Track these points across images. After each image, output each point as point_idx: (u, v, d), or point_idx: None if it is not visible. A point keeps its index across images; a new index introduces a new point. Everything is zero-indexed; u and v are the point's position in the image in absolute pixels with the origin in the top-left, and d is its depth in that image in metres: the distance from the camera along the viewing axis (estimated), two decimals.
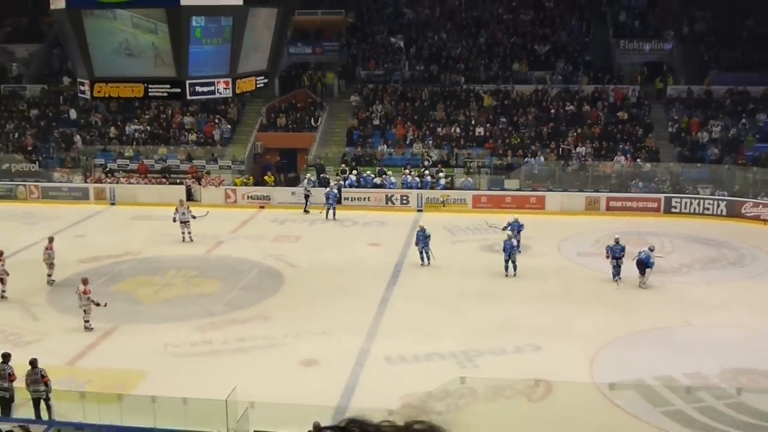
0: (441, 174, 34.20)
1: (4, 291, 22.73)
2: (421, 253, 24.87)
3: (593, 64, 39.78)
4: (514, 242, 24.61)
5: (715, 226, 30.06)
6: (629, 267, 22.93)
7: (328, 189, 32.04)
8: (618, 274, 22.99)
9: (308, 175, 34.84)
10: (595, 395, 16.03)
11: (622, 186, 33.46)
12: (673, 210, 31.97)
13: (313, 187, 33.49)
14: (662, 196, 32.41)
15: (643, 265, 22.79)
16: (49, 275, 23.91)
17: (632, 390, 16.32)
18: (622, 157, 34.20)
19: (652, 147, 34.93)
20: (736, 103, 36.38)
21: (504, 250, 24.24)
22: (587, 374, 17.35)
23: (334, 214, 31.35)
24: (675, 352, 18.46)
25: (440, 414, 15.58)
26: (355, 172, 34.85)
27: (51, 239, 24.40)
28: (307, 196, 32.77)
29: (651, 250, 23.13)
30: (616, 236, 23.62)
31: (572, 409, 15.71)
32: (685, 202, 32.03)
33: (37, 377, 15.47)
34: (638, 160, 34.27)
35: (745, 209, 31.19)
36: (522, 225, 25.83)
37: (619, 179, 33.80)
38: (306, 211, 32.50)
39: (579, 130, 36.10)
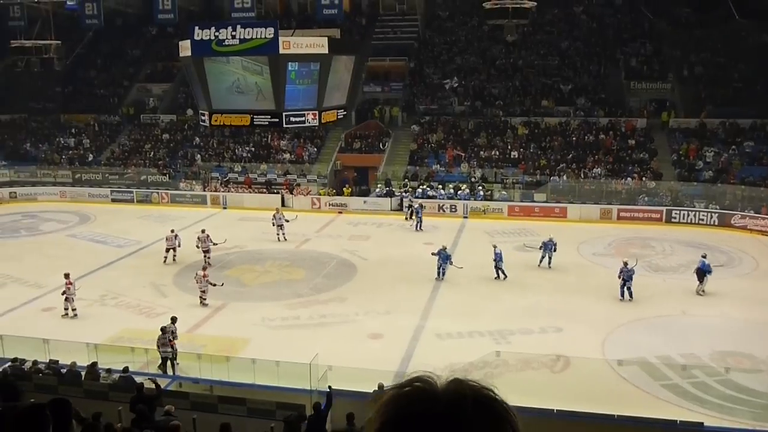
0: (480, 188, 34.02)
1: (74, 310, 19.78)
2: (438, 268, 22.60)
3: (608, 100, 38.95)
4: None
5: (709, 234, 29.12)
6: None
7: (417, 205, 30.41)
8: (623, 294, 20.74)
9: (408, 187, 34.05)
10: (606, 369, 15.66)
11: (631, 200, 32.68)
12: (673, 220, 31.10)
13: (417, 198, 32.37)
14: (664, 208, 31.56)
15: (702, 273, 21.20)
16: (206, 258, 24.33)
17: (636, 366, 15.94)
18: (630, 179, 33.39)
19: (656, 168, 34.05)
20: (727, 133, 35.22)
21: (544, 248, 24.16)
22: (599, 352, 16.99)
23: (420, 225, 29.75)
24: (672, 336, 17.97)
25: (479, 380, 15.45)
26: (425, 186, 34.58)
27: (203, 230, 25.14)
28: (410, 206, 31.50)
29: (704, 257, 21.61)
30: (625, 260, 21.27)
31: (587, 380, 15.43)
32: (684, 214, 31.14)
33: (165, 340, 15.85)
34: (644, 179, 33.43)
35: (734, 220, 30.16)
36: (555, 243, 24.00)
37: (628, 194, 33.01)
38: (407, 218, 31.16)
39: (596, 155, 35.40)
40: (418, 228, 29.62)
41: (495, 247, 23.20)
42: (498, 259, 22.73)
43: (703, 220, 30.74)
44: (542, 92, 39.97)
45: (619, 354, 16.54)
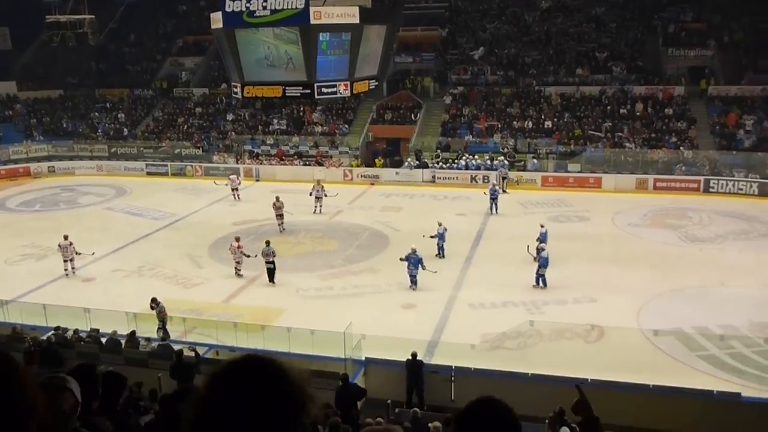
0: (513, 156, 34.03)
1: (74, 268, 21.46)
2: (410, 276, 19.58)
3: (645, 68, 38.09)
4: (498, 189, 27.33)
5: (748, 204, 28.49)
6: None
7: (491, 186, 28.59)
8: (538, 281, 19.25)
9: (501, 157, 33.44)
10: (641, 339, 15.53)
11: (668, 169, 32.07)
12: (711, 190, 30.50)
13: (509, 170, 32.30)
14: (702, 178, 30.93)
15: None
16: (279, 224, 25.41)
17: (672, 336, 15.76)
18: (666, 151, 32.71)
19: (694, 138, 33.32)
20: None
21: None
22: (634, 323, 16.83)
23: (497, 208, 27.57)
24: (710, 307, 17.70)
25: (512, 350, 15.47)
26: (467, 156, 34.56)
27: (277, 198, 25.74)
28: (504, 179, 31.19)
29: (542, 226, 21.42)
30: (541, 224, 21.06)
31: (621, 350, 15.32)
32: (722, 184, 30.51)
33: (269, 251, 19.96)
34: (681, 148, 32.74)
35: None
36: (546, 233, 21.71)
37: (665, 164, 32.40)
38: (504, 191, 30.25)
39: (633, 125, 34.75)
40: (493, 212, 27.57)
41: (542, 226, 21.80)
42: (543, 240, 21.05)
43: (742, 189, 30.09)
44: (577, 60, 39.22)
45: (654, 325, 16.34)
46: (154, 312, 15.93)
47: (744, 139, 32.65)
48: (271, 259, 20.33)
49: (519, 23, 42.28)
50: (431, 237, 22.02)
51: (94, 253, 22.40)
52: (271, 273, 20.31)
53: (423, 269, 19.25)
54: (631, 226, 25.61)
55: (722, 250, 22.69)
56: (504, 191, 30.28)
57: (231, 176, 32.61)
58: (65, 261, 21.37)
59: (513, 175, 32.68)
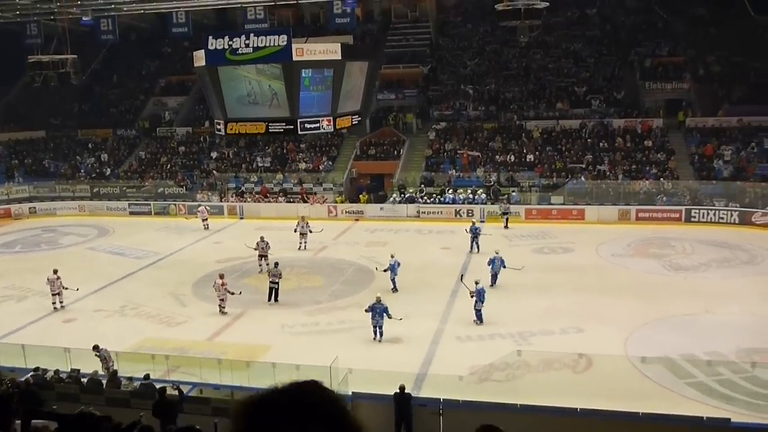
0: (501, 193, 34.15)
1: (62, 302, 21.64)
2: (374, 327, 18.11)
3: (623, 101, 38.74)
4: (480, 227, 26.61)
5: (730, 232, 28.79)
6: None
7: (472, 224, 27.12)
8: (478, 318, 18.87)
9: (507, 196, 33.38)
10: (629, 368, 15.46)
11: (649, 200, 32.40)
12: (692, 219, 30.78)
13: (513, 203, 32.39)
14: (683, 208, 31.25)
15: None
16: (260, 264, 24.66)
17: (660, 364, 15.70)
18: (647, 182, 33.10)
19: (674, 168, 33.77)
20: (745, 131, 34.85)
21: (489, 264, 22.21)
22: (622, 352, 16.79)
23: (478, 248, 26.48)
24: (696, 334, 17.72)
25: (500, 382, 15.34)
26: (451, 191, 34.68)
27: (261, 238, 25.08)
28: (506, 214, 30.95)
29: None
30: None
31: (610, 379, 15.22)
32: (703, 213, 30.82)
33: (277, 272, 21.16)
34: (661, 179, 33.13)
35: (755, 218, 29.80)
36: (503, 259, 22.19)
37: (646, 195, 32.74)
38: (506, 227, 30.37)
39: (613, 156, 35.19)
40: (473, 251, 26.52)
41: (497, 252, 22.33)
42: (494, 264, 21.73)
43: (723, 218, 30.42)
44: (556, 95, 39.82)
45: (642, 353, 16.29)
46: (98, 358, 15.48)
47: (722, 168, 33.14)
48: (276, 280, 21.38)
49: (499, 59, 42.96)
50: (384, 270, 21.91)
51: (78, 289, 22.18)
52: (273, 292, 21.35)
53: (389, 318, 17.79)
54: (616, 257, 25.74)
55: (706, 278, 22.83)
56: (506, 227, 30.41)
57: (199, 209, 33.63)
58: (53, 295, 21.43)
59: (496, 208, 32.81)
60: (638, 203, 32.29)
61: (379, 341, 17.87)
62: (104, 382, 14.20)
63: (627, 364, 15.68)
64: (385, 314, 17.81)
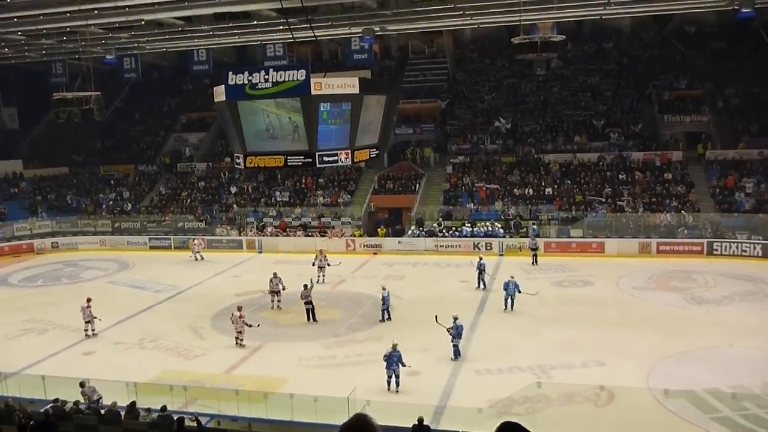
0: (519, 223, 34.03)
1: (93, 330, 22.34)
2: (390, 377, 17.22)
3: (642, 134, 38.74)
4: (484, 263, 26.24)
5: (752, 265, 28.44)
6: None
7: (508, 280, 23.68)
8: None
9: (530, 229, 33.05)
10: (651, 402, 15.22)
11: (670, 233, 32.15)
12: (714, 252, 30.48)
13: (537, 236, 31.77)
14: (705, 240, 30.96)
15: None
16: (272, 301, 24.74)
17: (683, 398, 15.41)
18: (668, 215, 32.89)
19: (694, 201, 33.56)
20: (765, 163, 34.62)
21: (505, 289, 23.11)
22: (644, 386, 16.50)
23: (484, 284, 26.09)
24: (719, 368, 17.40)
25: (520, 416, 15.14)
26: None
27: (274, 274, 25.04)
28: (534, 249, 30.15)
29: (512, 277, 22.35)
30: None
31: (632, 413, 14.97)
32: (725, 246, 30.52)
33: (308, 293, 22.51)
34: (682, 212, 32.91)
35: None
36: (517, 283, 22.89)
37: (667, 227, 32.50)
38: (535, 262, 29.70)
39: (632, 189, 35.09)
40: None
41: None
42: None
43: (746, 251, 30.09)
44: (574, 128, 39.93)
45: (664, 387, 16.00)
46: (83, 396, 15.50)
47: (744, 201, 32.88)
48: (309, 299, 22.72)
49: (516, 93, 43.26)
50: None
51: (101, 319, 22.64)
52: (310, 313, 22.82)
53: (404, 366, 16.81)
54: (637, 290, 25.49)
55: (729, 311, 22.49)
56: (534, 263, 29.68)
57: (194, 241, 35.18)
58: (86, 323, 22.22)
59: (515, 242, 32.76)
60: (659, 236, 32.05)
61: (396, 392, 16.58)
62: (123, 413, 14.22)
63: (649, 398, 15.43)
64: (400, 363, 16.78)
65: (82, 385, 15.68)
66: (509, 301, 23.07)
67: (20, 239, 39.10)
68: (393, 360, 16.86)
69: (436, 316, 19.52)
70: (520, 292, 22.86)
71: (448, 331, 18.60)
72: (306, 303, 22.89)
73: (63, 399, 14.76)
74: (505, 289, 23.12)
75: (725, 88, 39.13)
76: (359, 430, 2.48)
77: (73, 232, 40.25)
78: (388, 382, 16.78)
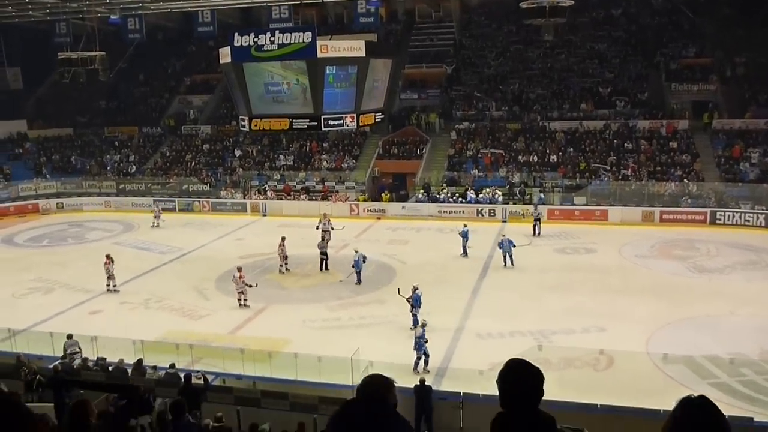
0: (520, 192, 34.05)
1: (115, 286, 23.07)
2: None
3: (648, 102, 38.47)
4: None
5: (756, 235, 28.45)
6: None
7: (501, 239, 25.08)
8: None
9: (540, 194, 32.97)
10: (650, 367, 15.43)
11: (674, 202, 32.13)
12: (717, 222, 30.48)
13: (539, 203, 31.72)
14: (708, 210, 30.95)
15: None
16: (281, 265, 24.69)
17: (682, 364, 15.62)
18: (672, 183, 32.85)
19: (699, 171, 33.46)
20: None
21: (500, 247, 24.44)
22: (643, 351, 16.70)
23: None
24: (719, 336, 17.60)
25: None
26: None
27: (283, 238, 24.93)
28: (537, 220, 29.36)
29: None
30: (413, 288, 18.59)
31: (631, 378, 15.15)
32: (729, 215, 30.51)
33: (324, 244, 24.40)
34: (686, 180, 32.86)
35: None
36: (511, 240, 24.20)
37: (671, 196, 32.48)
38: (538, 233, 28.99)
39: (637, 157, 34.98)
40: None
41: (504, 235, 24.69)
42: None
43: (749, 221, 30.08)
44: (580, 95, 39.65)
45: (664, 353, 16.22)
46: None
47: (749, 171, 32.78)
48: (325, 251, 24.51)
49: (523, 59, 42.87)
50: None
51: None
52: (323, 263, 24.57)
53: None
54: (639, 258, 25.59)
55: (730, 280, 22.61)
56: (537, 234, 29.10)
57: (156, 207, 35.11)
58: (108, 278, 22.95)
59: (519, 208, 32.79)
60: (662, 205, 32.04)
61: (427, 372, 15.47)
62: (129, 370, 14.46)
63: (648, 363, 15.63)
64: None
65: (68, 337, 15.93)
66: (507, 257, 24.25)
67: (25, 199, 39.23)
68: (423, 341, 15.90)
69: (398, 289, 19.53)
70: (515, 246, 24.19)
71: (408, 301, 18.49)
72: (321, 253, 24.51)
73: (71, 355, 15.01)
74: (501, 247, 24.40)
75: (734, 56, 38.70)
76: (375, 385, 2.51)
77: (78, 193, 40.35)
78: (416, 363, 15.72)
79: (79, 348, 15.81)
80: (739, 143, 34.36)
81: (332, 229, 28.19)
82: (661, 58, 40.25)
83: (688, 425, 2.18)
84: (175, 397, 12.10)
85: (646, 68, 40.25)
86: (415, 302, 18.50)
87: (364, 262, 23.06)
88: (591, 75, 40.76)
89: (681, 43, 40.65)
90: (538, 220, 29.89)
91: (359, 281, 22.96)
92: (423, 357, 15.83)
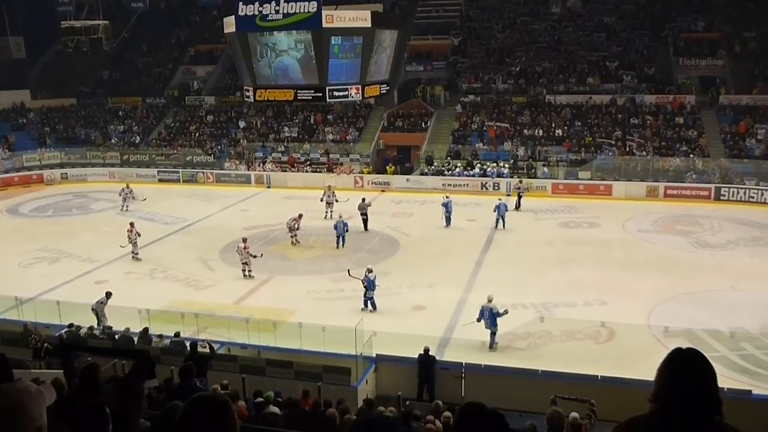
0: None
1: (137, 254, 23.47)
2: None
3: (655, 77, 38.22)
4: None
5: (760, 212, 28.43)
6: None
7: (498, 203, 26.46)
8: None
9: (544, 168, 33.34)
10: (651, 340, 15.58)
11: (678, 177, 32.10)
12: (722, 198, 30.48)
13: (543, 178, 32.41)
14: (713, 186, 30.93)
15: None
16: (293, 236, 24.71)
17: (682, 338, 15.72)
18: (677, 159, 32.78)
19: (705, 146, 33.36)
20: None
21: (495, 210, 25.88)
22: (645, 325, 16.85)
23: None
24: (720, 310, 17.73)
25: (522, 350, 15.53)
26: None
27: (300, 215, 24.96)
28: (519, 194, 29.59)
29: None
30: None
31: (631, 351, 15.29)
32: (733, 191, 30.49)
33: (365, 205, 26.17)
34: (691, 155, 32.78)
35: None
36: (506, 204, 26.54)
37: (675, 172, 32.43)
38: (517, 208, 29.00)
39: (642, 132, 34.85)
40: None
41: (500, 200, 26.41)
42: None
43: (753, 198, 30.06)
44: (588, 69, 39.39)
45: (665, 326, 16.37)
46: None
47: (755, 147, 32.69)
48: (365, 211, 26.16)
49: (530, 32, 42.53)
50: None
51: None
52: (365, 222, 26.21)
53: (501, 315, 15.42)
54: (642, 232, 25.66)
55: (733, 255, 22.69)
56: (517, 207, 29.28)
57: (125, 189, 31.72)
58: (132, 245, 23.39)
59: (525, 182, 32.78)
60: (667, 180, 32.02)
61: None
62: (135, 339, 14.66)
63: (649, 336, 15.79)
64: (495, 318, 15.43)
65: (107, 295, 16.90)
66: (500, 221, 25.89)
67: (30, 170, 39.32)
68: (485, 316, 15.40)
69: (348, 270, 19.33)
70: (507, 210, 26.17)
71: (362, 283, 18.19)
72: (362, 214, 26.11)
73: (77, 324, 15.21)
74: (496, 211, 25.89)
75: (744, 31, 38.34)
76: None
77: (82, 164, 40.42)
78: (492, 340, 15.35)
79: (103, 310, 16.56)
80: (746, 119, 34.19)
81: (336, 201, 28.34)
82: (670, 32, 39.91)
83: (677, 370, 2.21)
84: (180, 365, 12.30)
85: (654, 42, 39.92)
86: (368, 286, 17.98)
87: (346, 230, 24.10)
88: (598, 48, 40.44)
89: (690, 17, 40.26)
90: (520, 195, 29.80)
91: (338, 245, 24.03)
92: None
